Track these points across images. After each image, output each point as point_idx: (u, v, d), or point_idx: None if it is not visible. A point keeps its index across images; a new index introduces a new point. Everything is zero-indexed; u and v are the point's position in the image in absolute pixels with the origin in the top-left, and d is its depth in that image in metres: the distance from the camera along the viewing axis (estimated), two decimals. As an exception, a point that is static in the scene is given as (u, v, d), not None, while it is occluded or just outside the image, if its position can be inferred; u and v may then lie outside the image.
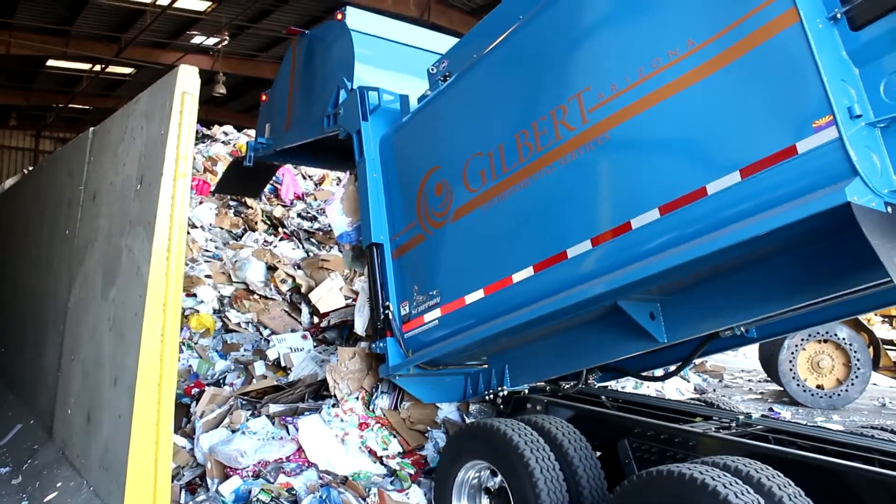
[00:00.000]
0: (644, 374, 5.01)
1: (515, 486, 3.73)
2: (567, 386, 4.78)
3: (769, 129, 2.84)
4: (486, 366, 4.77)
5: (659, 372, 5.07)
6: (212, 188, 10.21)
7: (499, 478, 3.96)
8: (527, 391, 4.71)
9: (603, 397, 4.78)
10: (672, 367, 4.68)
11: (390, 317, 4.72)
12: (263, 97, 6.75)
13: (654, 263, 3.16)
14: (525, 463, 3.67)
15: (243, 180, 7.54)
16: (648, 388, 7.84)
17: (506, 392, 4.61)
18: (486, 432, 4.03)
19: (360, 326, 5.47)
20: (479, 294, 4.15)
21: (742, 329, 3.90)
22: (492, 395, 4.69)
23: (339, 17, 5.54)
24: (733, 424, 4.02)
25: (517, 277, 3.90)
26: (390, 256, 4.81)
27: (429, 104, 4.60)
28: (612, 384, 5.99)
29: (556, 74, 3.73)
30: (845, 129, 2.62)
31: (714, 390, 10.16)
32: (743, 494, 2.74)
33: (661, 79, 3.16)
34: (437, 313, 4.44)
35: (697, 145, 3.11)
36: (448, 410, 5.19)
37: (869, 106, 2.69)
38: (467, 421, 5.08)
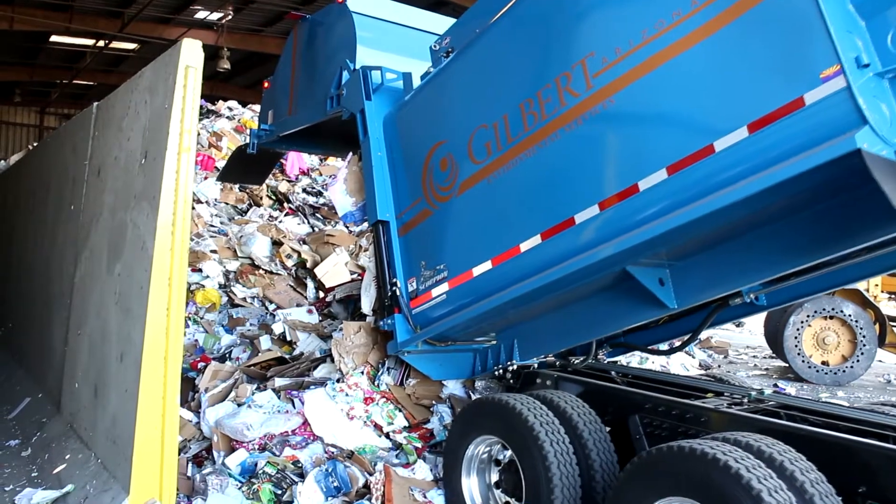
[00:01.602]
0: (651, 347, 4.99)
1: (526, 461, 3.73)
2: (576, 361, 4.77)
3: (776, 83, 2.81)
4: (494, 342, 4.76)
5: (667, 347, 5.07)
6: (216, 165, 10.21)
7: (509, 452, 3.96)
8: (536, 366, 4.70)
9: (613, 372, 4.77)
10: (680, 340, 4.67)
11: (398, 293, 4.72)
12: (266, 84, 6.73)
13: (662, 223, 3.13)
14: (535, 437, 3.66)
15: (247, 168, 7.52)
16: (653, 364, 7.87)
17: (515, 366, 4.60)
18: (497, 407, 4.01)
19: (366, 305, 5.47)
20: (486, 265, 4.14)
21: (752, 297, 3.88)
22: (501, 371, 4.67)
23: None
24: (745, 400, 3.99)
25: (525, 246, 3.88)
26: (396, 234, 4.81)
27: (432, 80, 4.58)
28: (619, 359, 5.98)
29: (560, 42, 3.70)
30: (853, 79, 2.58)
31: (719, 366, 10.19)
32: (755, 469, 2.73)
33: (666, 39, 3.14)
34: (444, 287, 4.43)
35: (704, 103, 3.09)
36: (453, 386, 5.21)
37: (876, 57, 2.65)
38: (473, 396, 5.10)
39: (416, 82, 4.82)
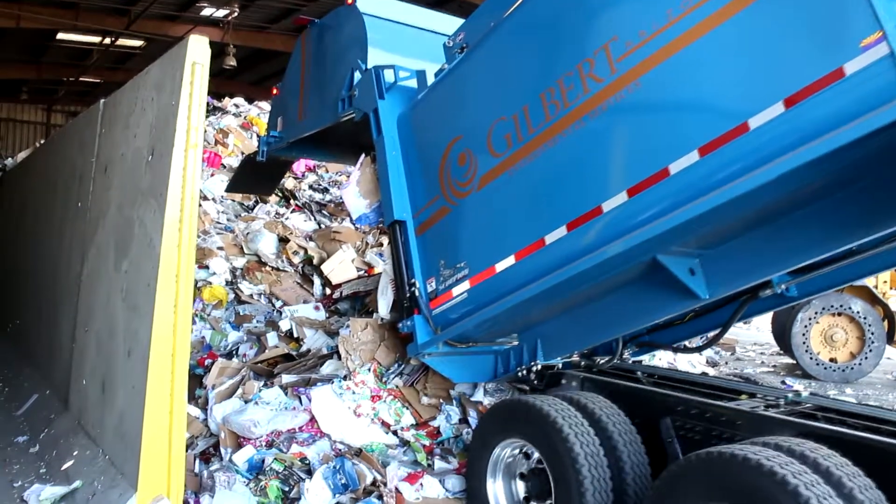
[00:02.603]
0: (675, 345, 4.85)
1: (555, 466, 3.63)
2: (602, 361, 4.65)
3: (812, 55, 2.72)
4: (515, 342, 4.68)
5: (700, 341, 4.95)
6: (222, 162, 10.21)
7: (536, 456, 3.88)
8: (560, 366, 4.60)
9: (639, 373, 4.67)
10: (701, 339, 4.57)
11: (416, 294, 4.62)
12: (275, 91, 6.71)
13: (695, 206, 3.04)
14: (565, 441, 3.56)
15: (255, 178, 7.50)
16: (661, 361, 7.82)
17: (539, 367, 4.49)
18: (525, 409, 3.91)
19: (383, 308, 5.39)
20: (509, 261, 4.03)
21: (782, 287, 3.82)
22: (525, 371, 4.56)
23: (350, 1, 5.48)
24: (782, 402, 3.85)
25: (550, 238, 3.78)
26: (413, 233, 4.72)
27: (448, 76, 4.51)
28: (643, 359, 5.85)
29: (581, 29, 3.63)
30: None
31: (726, 363, 10.15)
32: (802, 475, 2.63)
33: (693, 18, 3.06)
34: (465, 286, 4.33)
35: (735, 81, 3.01)
36: (463, 385, 5.16)
37: None
38: (482, 394, 5.06)
39: (430, 80, 4.78)
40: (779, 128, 2.81)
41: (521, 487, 4.01)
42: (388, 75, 4.92)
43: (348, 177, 5.65)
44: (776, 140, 2.82)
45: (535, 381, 4.61)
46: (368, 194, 5.37)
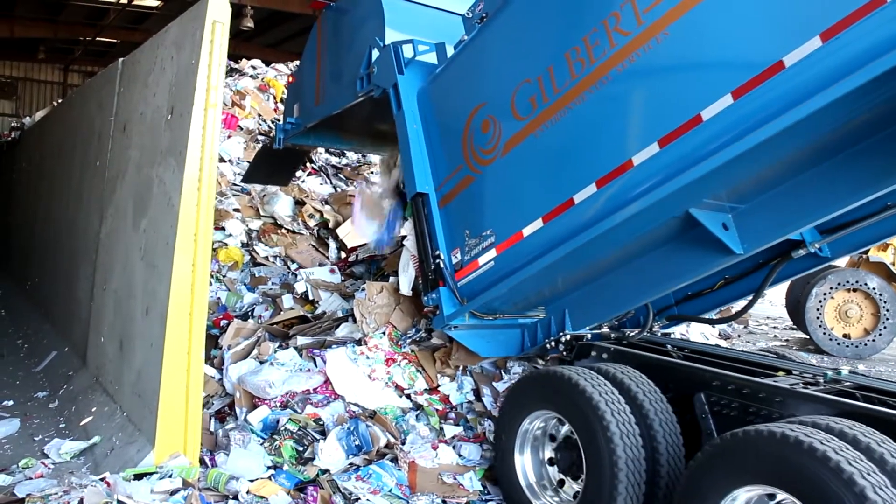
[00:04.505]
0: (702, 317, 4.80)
1: (587, 439, 3.54)
2: (632, 333, 4.56)
3: None
4: (542, 315, 4.63)
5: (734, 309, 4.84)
6: (239, 124, 10.19)
7: (565, 428, 3.81)
8: (589, 337, 4.51)
9: (668, 346, 4.54)
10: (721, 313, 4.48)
11: (441, 266, 4.57)
12: (291, 78, 6.64)
13: (733, 148, 2.97)
14: (600, 414, 3.47)
15: (272, 167, 7.42)
16: (674, 333, 7.78)
17: (568, 337, 4.43)
18: (556, 381, 3.81)
19: (405, 286, 5.32)
20: (537, 224, 3.96)
21: (815, 247, 3.76)
22: (553, 343, 4.50)
23: None
24: (821, 380, 3.68)
25: (579, 197, 3.70)
26: (436, 206, 4.66)
27: (468, 45, 4.45)
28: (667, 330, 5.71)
29: None
30: None
31: (738, 336, 10.14)
32: (857, 462, 2.49)
33: None
34: (492, 254, 4.27)
35: (768, 19, 2.93)
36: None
37: None
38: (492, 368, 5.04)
39: (450, 53, 4.73)
40: (815, 64, 2.74)
41: (549, 460, 3.95)
42: (407, 50, 4.87)
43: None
44: (813, 79, 2.74)
45: (564, 353, 4.54)
46: (375, 214, 5.34)
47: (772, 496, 2.77)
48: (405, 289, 5.32)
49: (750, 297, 4.28)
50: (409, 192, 4.76)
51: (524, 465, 3.99)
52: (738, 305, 4.74)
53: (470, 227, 4.43)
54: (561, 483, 3.87)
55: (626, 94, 3.47)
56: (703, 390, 3.64)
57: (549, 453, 3.95)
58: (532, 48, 3.98)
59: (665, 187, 3.27)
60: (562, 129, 3.79)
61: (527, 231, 4.03)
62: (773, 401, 3.39)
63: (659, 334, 4.90)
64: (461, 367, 5.10)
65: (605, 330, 4.58)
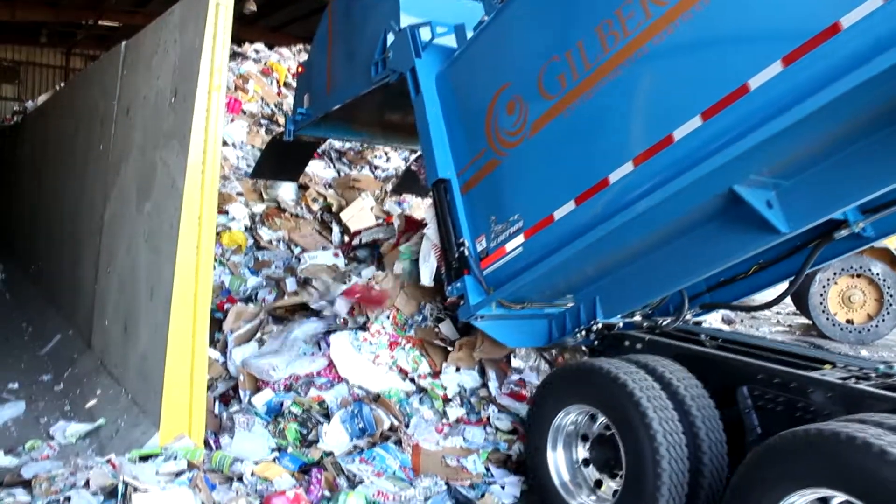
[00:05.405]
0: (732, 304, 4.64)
1: (628, 436, 3.43)
2: (665, 322, 4.37)
3: None
4: (571, 304, 4.46)
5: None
6: (242, 108, 10.16)
7: (600, 423, 3.71)
8: (621, 325, 4.38)
9: (702, 335, 4.40)
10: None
11: (466, 254, 4.39)
12: (301, 68, 6.54)
13: (783, 119, 2.82)
14: (641, 410, 3.34)
15: (281, 162, 7.31)
16: (689, 321, 7.73)
17: (600, 325, 4.26)
18: (592, 374, 3.69)
19: (426, 277, 5.20)
20: (569, 206, 3.76)
21: (859, 227, 3.62)
22: (584, 332, 4.35)
23: None
24: (872, 374, 3.49)
25: (615, 176, 3.51)
26: (458, 192, 4.49)
27: (490, 24, 4.29)
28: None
29: None
30: None
31: (742, 321, 10.14)
32: None
33: None
34: (520, 239, 4.08)
35: None
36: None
37: None
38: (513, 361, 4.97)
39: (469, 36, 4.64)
40: (875, 27, 2.58)
41: (584, 457, 3.84)
42: (424, 33, 4.73)
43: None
44: (872, 40, 2.59)
45: (595, 343, 4.41)
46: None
47: (824, 499, 2.66)
48: (426, 279, 5.20)
49: (790, 281, 4.08)
50: (430, 178, 4.61)
51: (557, 462, 3.87)
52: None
53: (496, 212, 4.25)
54: (598, 483, 3.76)
55: (664, 67, 3.29)
56: (746, 384, 3.50)
57: (583, 453, 3.82)
58: (560, 23, 3.79)
59: (709, 162, 3.10)
60: (594, 107, 3.60)
61: (558, 214, 3.83)
62: (823, 396, 3.25)
63: (691, 323, 4.75)
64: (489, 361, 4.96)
65: (638, 318, 4.41)
